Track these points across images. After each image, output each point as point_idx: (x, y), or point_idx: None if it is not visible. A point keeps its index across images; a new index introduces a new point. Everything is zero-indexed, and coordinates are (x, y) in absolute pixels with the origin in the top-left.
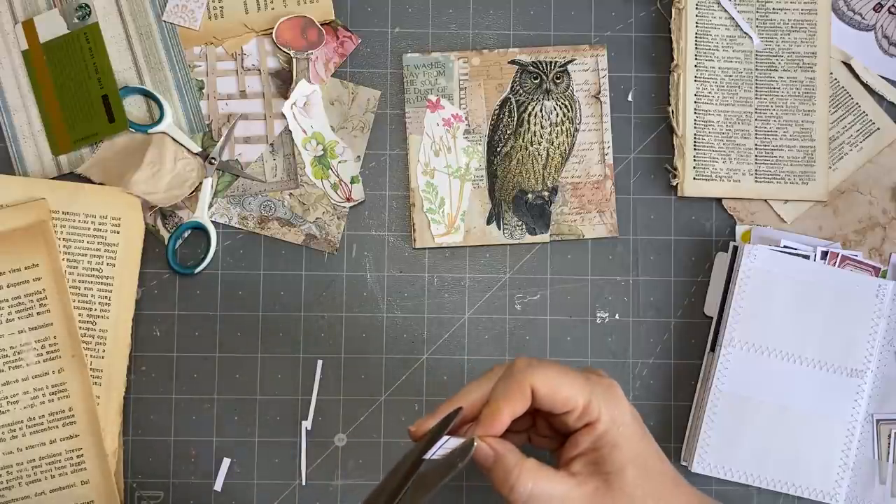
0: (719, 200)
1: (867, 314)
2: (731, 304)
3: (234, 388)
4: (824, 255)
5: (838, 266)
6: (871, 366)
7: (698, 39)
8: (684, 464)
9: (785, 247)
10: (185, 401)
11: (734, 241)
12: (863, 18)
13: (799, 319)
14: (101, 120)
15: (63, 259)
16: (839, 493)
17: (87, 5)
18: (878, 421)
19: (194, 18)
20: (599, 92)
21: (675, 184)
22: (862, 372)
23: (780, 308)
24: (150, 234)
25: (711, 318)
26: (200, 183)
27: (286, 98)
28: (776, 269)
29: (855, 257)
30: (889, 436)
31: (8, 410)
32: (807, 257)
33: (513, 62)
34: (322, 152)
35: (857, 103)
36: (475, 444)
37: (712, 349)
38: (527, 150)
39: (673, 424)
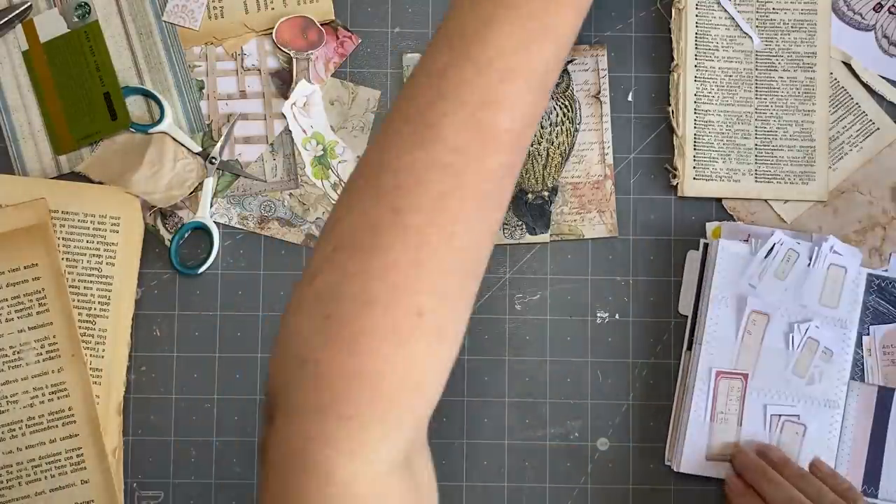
0: (719, 200)
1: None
2: (707, 301)
3: (234, 388)
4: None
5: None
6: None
7: (698, 39)
8: (669, 464)
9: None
10: (185, 401)
11: (704, 238)
12: (863, 18)
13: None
14: (104, 118)
15: (62, 258)
16: None
17: (86, 4)
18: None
19: (194, 18)
20: (599, 92)
21: (675, 184)
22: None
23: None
24: (150, 234)
25: (687, 316)
26: (200, 183)
27: (286, 98)
28: (747, 262)
29: None
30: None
31: (7, 410)
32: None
33: None
34: (322, 152)
35: (857, 103)
36: None
37: (689, 348)
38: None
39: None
